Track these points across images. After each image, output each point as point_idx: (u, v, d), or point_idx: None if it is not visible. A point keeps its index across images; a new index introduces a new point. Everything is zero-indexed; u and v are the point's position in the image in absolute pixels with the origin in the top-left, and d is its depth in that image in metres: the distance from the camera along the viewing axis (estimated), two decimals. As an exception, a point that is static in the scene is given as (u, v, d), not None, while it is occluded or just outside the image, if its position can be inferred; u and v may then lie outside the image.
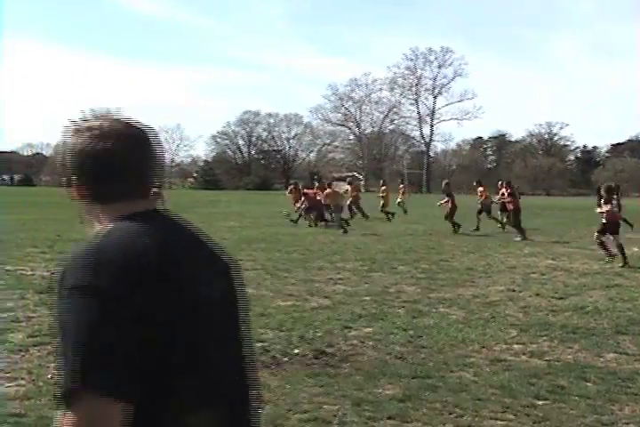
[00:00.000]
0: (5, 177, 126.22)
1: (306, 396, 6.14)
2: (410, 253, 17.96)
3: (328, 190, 27.12)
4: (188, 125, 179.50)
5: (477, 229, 25.40)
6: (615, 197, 16.66)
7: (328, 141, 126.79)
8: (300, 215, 27.96)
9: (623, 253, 15.86)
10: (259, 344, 7.93)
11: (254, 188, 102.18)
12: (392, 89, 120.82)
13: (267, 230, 24.75)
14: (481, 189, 27.31)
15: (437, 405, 5.98)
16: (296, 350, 7.73)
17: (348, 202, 31.12)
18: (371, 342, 8.21)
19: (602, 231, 16.41)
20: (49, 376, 6.52)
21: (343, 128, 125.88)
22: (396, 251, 18.28)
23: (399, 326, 9.07)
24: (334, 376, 6.75)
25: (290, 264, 15.06)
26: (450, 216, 24.97)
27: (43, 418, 5.39)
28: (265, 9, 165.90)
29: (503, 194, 24.00)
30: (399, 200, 37.87)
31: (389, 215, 31.09)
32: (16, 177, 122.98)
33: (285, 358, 7.41)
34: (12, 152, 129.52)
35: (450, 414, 5.80)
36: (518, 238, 21.78)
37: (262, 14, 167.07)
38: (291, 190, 31.37)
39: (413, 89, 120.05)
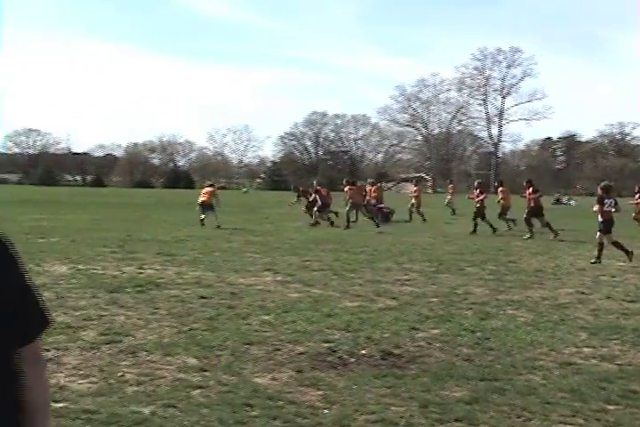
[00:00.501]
0: (78, 178, 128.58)
1: (373, 397, 6.13)
2: (477, 254, 17.83)
3: (349, 187, 27.44)
4: (256, 126, 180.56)
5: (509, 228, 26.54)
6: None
7: (395, 142, 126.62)
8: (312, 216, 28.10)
9: (601, 250, 16.45)
10: (325, 345, 7.96)
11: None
12: (460, 89, 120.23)
13: (333, 231, 24.80)
14: (501, 188, 27.62)
15: (505, 408, 5.92)
16: (363, 351, 7.72)
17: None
18: (438, 344, 8.17)
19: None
20: (119, 374, 6.63)
21: (411, 129, 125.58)
22: (463, 252, 18.17)
23: (467, 327, 9.00)
24: (401, 377, 6.73)
25: (357, 265, 15.06)
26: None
27: (114, 415, 5.48)
28: (333, 10, 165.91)
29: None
30: (447, 200, 37.48)
31: (423, 216, 31.04)
32: (88, 178, 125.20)
33: (352, 359, 7.41)
34: (84, 153, 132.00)
35: (518, 417, 5.74)
36: (527, 236, 22.70)
37: (330, 15, 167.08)
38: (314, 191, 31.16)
39: (482, 89, 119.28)
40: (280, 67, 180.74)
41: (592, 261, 16.13)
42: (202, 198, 25.94)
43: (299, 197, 33.08)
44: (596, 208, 16.77)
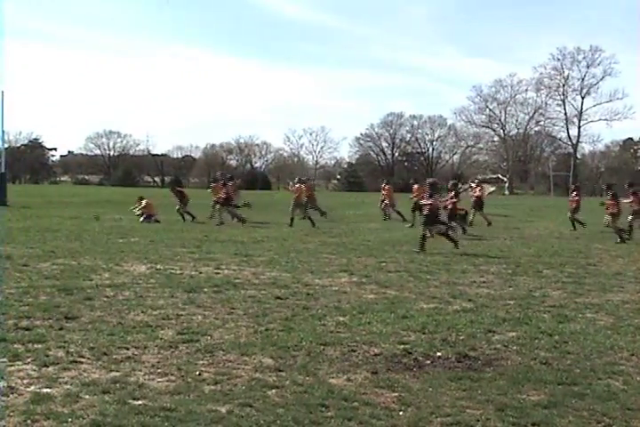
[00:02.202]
0: (156, 179, 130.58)
1: (448, 399, 6.10)
2: (555, 256, 17.57)
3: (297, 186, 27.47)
4: (332, 127, 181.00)
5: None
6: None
7: (472, 143, 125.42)
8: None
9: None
10: (401, 346, 7.94)
11: (397, 190, 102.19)
12: (538, 90, 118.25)
13: (409, 232, 24.69)
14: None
15: (584, 413, 5.82)
16: (439, 353, 7.69)
17: (381, 203, 30.69)
18: (515, 347, 8.08)
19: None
20: (197, 373, 6.72)
21: (487, 130, 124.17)
22: (541, 254, 17.93)
23: (544, 330, 8.88)
24: (477, 380, 6.68)
25: (433, 267, 14.98)
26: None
27: (191, 413, 5.56)
28: (406, 10, 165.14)
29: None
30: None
31: (387, 216, 30.64)
32: (166, 179, 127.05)
33: (428, 361, 7.38)
34: (162, 155, 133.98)
35: (598, 422, 5.65)
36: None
37: (405, 16, 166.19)
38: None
39: (560, 90, 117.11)
40: (355, 68, 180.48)
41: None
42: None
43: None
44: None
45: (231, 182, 28.52)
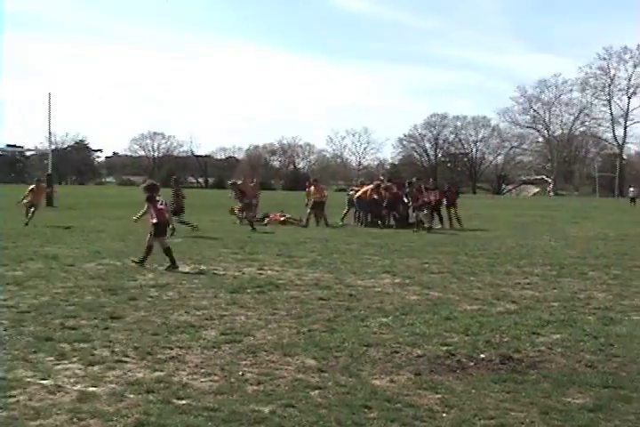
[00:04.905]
0: (200, 180, 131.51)
1: (492, 402, 6.06)
2: (601, 258, 17.38)
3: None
4: (376, 128, 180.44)
5: None
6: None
7: (516, 144, 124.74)
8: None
9: None
10: (444, 348, 7.90)
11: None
12: (583, 90, 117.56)
13: (452, 234, 24.60)
14: None
15: (631, 417, 5.74)
16: (482, 355, 7.64)
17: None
18: (559, 349, 8.00)
19: None
20: (240, 373, 6.74)
21: (532, 130, 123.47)
22: (585, 256, 17.75)
23: (589, 333, 8.79)
24: (521, 383, 6.62)
25: (476, 268, 14.91)
26: None
27: (235, 413, 5.58)
28: (479, 2, 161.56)
29: None
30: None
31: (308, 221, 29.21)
32: (210, 180, 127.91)
33: (471, 363, 7.33)
34: (206, 156, 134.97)
35: (644, 426, 5.58)
36: None
37: (475, 9, 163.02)
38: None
39: (606, 89, 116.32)
40: (409, 65, 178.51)
41: None
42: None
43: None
44: None
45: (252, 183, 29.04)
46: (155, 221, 14.10)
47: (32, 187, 26.76)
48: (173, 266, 13.63)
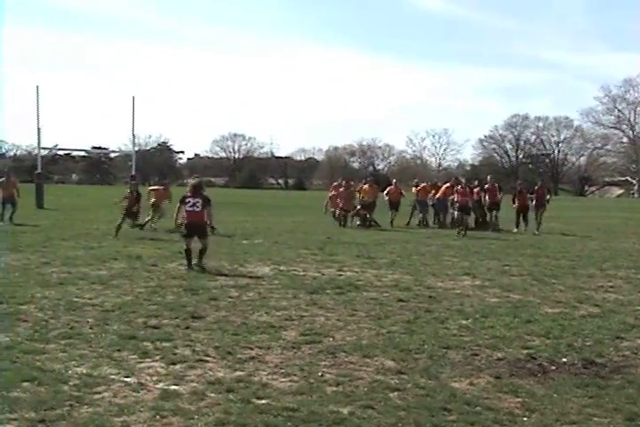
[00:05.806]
0: (280, 181, 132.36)
1: (574, 406, 5.96)
2: (688, 261, 16.95)
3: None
4: (456, 128, 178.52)
5: None
6: None
7: (599, 145, 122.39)
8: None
9: None
10: (524, 351, 7.81)
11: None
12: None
13: (532, 236, 24.27)
14: None
15: None
16: (564, 359, 7.53)
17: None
18: (644, 354, 7.84)
19: None
20: (319, 374, 6.77)
21: (616, 131, 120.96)
22: (672, 259, 17.33)
23: (676, 338, 8.59)
24: (605, 388, 6.51)
25: (558, 271, 14.68)
26: None
27: (314, 414, 5.61)
28: (563, 2, 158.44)
29: None
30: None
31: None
32: (290, 181, 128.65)
33: (553, 367, 7.23)
34: (286, 157, 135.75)
35: None
36: None
37: (559, 8, 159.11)
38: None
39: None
40: (491, 65, 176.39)
41: None
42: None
43: None
44: None
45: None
46: (184, 222, 14.15)
47: (153, 187, 25.11)
48: (189, 266, 13.79)
